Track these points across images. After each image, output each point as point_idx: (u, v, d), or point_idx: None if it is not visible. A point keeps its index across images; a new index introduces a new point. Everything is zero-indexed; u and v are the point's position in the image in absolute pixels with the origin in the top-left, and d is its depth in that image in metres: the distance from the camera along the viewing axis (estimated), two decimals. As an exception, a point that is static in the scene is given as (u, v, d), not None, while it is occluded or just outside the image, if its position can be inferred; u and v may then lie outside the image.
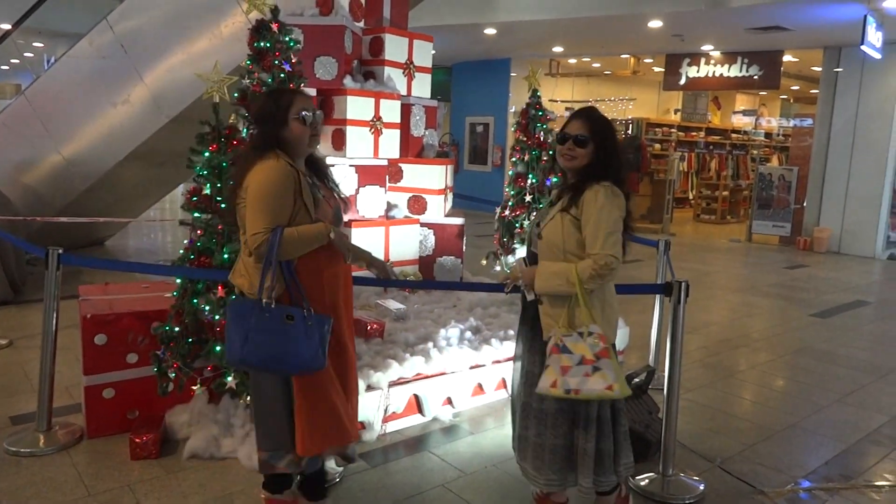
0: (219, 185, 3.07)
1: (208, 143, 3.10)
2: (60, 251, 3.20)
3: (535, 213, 4.84)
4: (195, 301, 3.09)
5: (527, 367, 2.60)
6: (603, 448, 2.50)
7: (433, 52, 13.90)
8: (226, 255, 3.06)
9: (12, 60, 17.89)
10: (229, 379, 3.06)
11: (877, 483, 3.27)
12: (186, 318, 3.08)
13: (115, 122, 6.95)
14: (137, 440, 3.16)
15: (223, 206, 3.06)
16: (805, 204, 11.35)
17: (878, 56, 9.34)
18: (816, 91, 11.57)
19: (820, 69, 11.30)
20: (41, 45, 15.11)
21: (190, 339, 3.11)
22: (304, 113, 2.38)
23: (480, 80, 14.57)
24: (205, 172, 3.08)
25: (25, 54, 15.24)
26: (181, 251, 3.15)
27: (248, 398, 3.16)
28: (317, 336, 2.31)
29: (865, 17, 8.25)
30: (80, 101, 6.99)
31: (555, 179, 4.79)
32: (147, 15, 6.74)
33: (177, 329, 3.11)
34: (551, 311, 2.45)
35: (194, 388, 3.13)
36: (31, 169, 7.24)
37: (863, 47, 8.54)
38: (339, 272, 2.48)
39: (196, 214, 3.07)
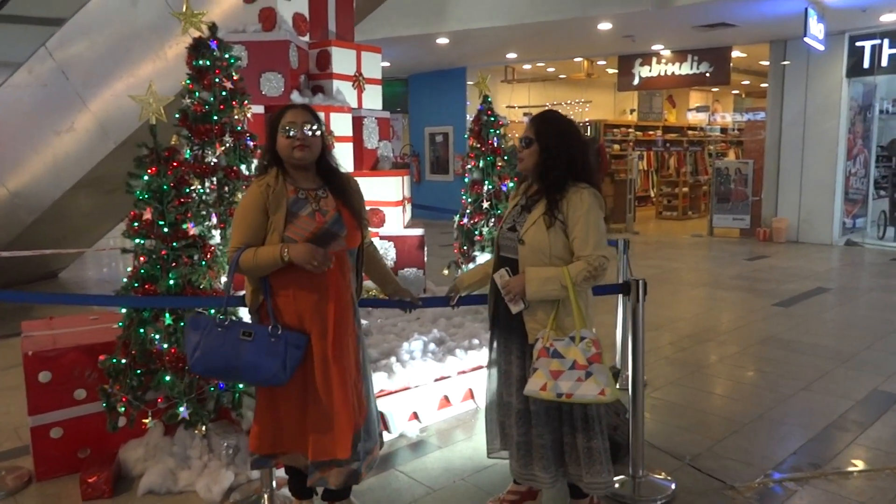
0: (160, 208, 2.96)
1: (147, 165, 2.98)
2: (-4, 287, 3.04)
3: (493, 220, 4.81)
4: (142, 331, 2.97)
5: (503, 368, 2.59)
6: (594, 446, 2.48)
7: (387, 64, 13.88)
8: (171, 282, 2.94)
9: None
10: (182, 409, 2.94)
11: (846, 469, 3.28)
12: (134, 349, 2.95)
13: (59, 150, 6.74)
14: (89, 480, 3.02)
15: (165, 230, 2.95)
16: (762, 196, 11.55)
17: (821, 48, 9.57)
18: (766, 85, 11.82)
19: (768, 63, 11.54)
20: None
21: (139, 371, 2.97)
22: (286, 125, 2.39)
23: (437, 91, 14.58)
24: (145, 196, 2.96)
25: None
26: (124, 280, 3.02)
27: (204, 428, 3.04)
28: (282, 353, 2.34)
29: (806, 9, 8.44)
30: (22, 131, 6.75)
31: (510, 185, 4.77)
32: (87, 40, 6.57)
33: (124, 361, 2.97)
34: (535, 315, 2.44)
35: (146, 421, 2.99)
36: (-26, 203, 6.97)
37: (806, 39, 8.73)
38: (321, 289, 2.38)
39: (137, 241, 2.95)
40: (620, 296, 4.22)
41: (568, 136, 2.51)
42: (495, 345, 2.66)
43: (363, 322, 4.39)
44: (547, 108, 2.68)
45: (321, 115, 4.70)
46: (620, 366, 4.40)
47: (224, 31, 4.71)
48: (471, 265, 4.91)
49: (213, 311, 2.86)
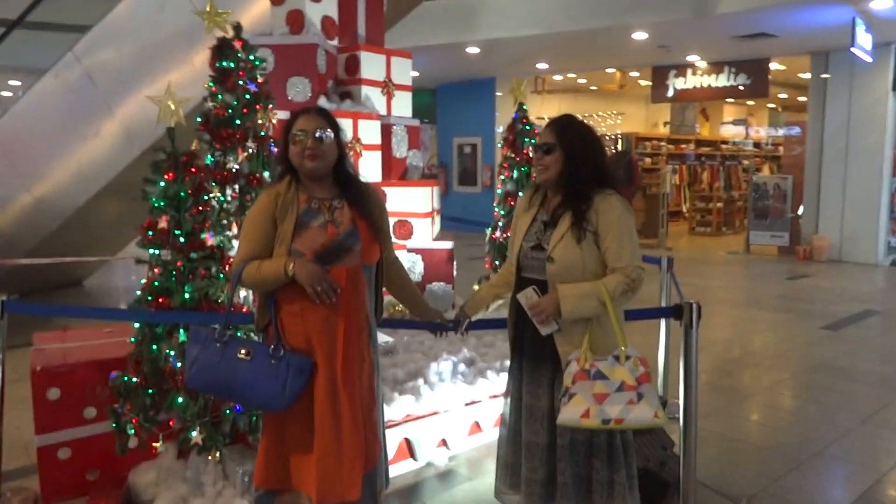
0: (177, 216, 2.77)
1: (164, 171, 2.80)
2: (4, 299, 2.88)
3: (507, 235, 4.54)
4: (155, 347, 2.77)
5: (528, 402, 2.31)
6: (617, 479, 2.23)
7: (416, 74, 13.75)
8: (186, 295, 2.75)
9: (-10, 99, 17.68)
10: (194, 434, 2.73)
11: (919, 516, 2.96)
12: (145, 367, 2.76)
13: (84, 157, 6.65)
14: (95, 506, 2.82)
15: (182, 240, 2.76)
16: (802, 212, 11.14)
17: (868, 59, 9.20)
18: (805, 98, 11.44)
19: (808, 76, 11.16)
20: (18, 83, 14.86)
21: (150, 391, 2.78)
22: (296, 131, 2.20)
23: (466, 101, 14.41)
24: (161, 204, 2.78)
25: (2, 93, 14.99)
26: (137, 292, 2.83)
27: (218, 454, 2.83)
28: (283, 376, 2.12)
29: (854, 19, 8.10)
30: (48, 137, 6.69)
31: (520, 193, 4.51)
32: (114, 45, 6.49)
33: (135, 380, 2.78)
34: (569, 336, 2.20)
35: (156, 444, 2.79)
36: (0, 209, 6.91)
37: (853, 50, 8.38)
38: (331, 307, 2.14)
39: (151, 251, 2.76)
40: (663, 318, 3.95)
41: (592, 141, 2.33)
42: (516, 374, 2.40)
43: (388, 339, 4.18)
44: (572, 115, 2.40)
45: (348, 121, 4.58)
46: (663, 393, 4.10)
47: (252, 33, 4.58)
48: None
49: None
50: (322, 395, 2.15)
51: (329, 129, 2.21)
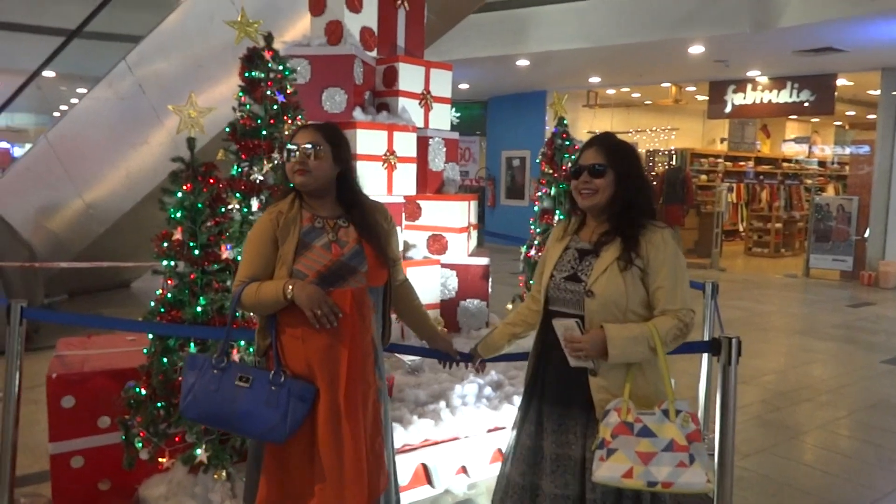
0: (192, 228, 2.72)
1: (182, 182, 2.75)
2: (24, 304, 2.88)
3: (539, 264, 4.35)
4: (165, 360, 2.72)
5: (553, 452, 2.04)
6: None
7: (466, 86, 13.68)
8: (199, 309, 2.69)
9: (62, 107, 18.46)
10: (199, 452, 2.66)
11: None
12: (154, 380, 2.70)
13: (133, 164, 6.82)
14: (103, 518, 2.78)
15: (196, 252, 2.70)
16: (867, 235, 10.53)
17: (944, 75, 8.65)
18: (874, 116, 10.85)
19: (877, 92, 10.59)
20: (85, 90, 15.50)
21: (159, 405, 2.72)
22: (289, 146, 2.12)
23: (516, 114, 14.26)
24: (177, 214, 2.73)
25: (72, 100, 15.65)
26: (151, 303, 2.79)
27: (224, 474, 2.75)
28: (284, 404, 2.00)
29: (929, 33, 7.62)
30: (100, 144, 6.89)
31: (560, 216, 4.29)
32: (165, 56, 6.64)
33: (143, 392, 2.73)
34: (606, 382, 1.97)
35: (162, 460, 2.73)
36: (52, 212, 7.13)
37: (927, 66, 7.88)
38: (334, 332, 2.02)
39: (165, 262, 2.72)
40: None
41: (639, 163, 2.12)
42: (531, 417, 2.13)
43: (414, 358, 4.05)
44: (629, 134, 2.16)
45: (382, 133, 4.50)
46: (704, 428, 3.84)
47: (289, 44, 4.57)
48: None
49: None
50: (324, 424, 2.03)
51: (322, 144, 2.11)
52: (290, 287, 1.97)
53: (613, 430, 1.89)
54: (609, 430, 1.90)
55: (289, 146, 2.11)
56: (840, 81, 11.11)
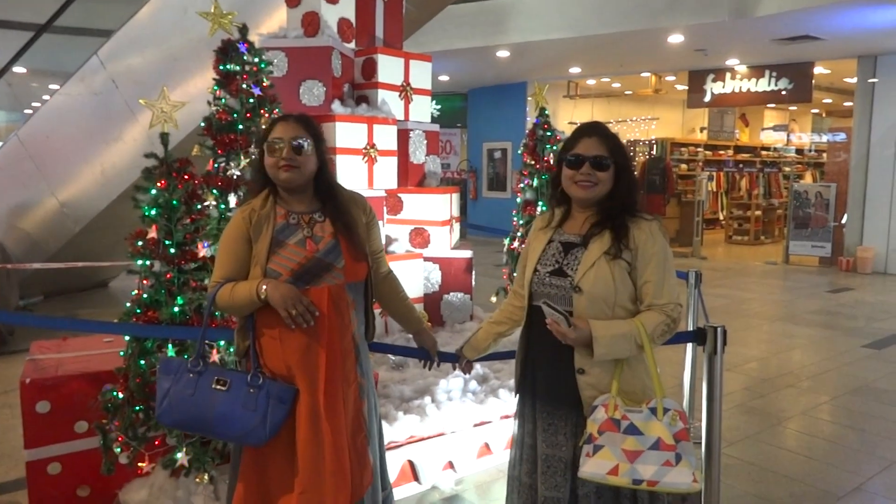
0: (168, 226, 2.65)
1: (156, 178, 2.68)
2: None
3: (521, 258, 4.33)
4: (142, 362, 2.65)
5: (544, 452, 2.01)
6: None
7: (446, 78, 13.59)
8: (176, 309, 2.62)
9: (34, 104, 18.11)
10: (179, 455, 2.60)
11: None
12: (132, 383, 2.63)
13: (107, 161, 6.67)
14: (82, 525, 2.71)
15: (172, 251, 2.63)
16: (845, 222, 10.65)
17: (919, 62, 8.74)
18: (850, 104, 10.95)
19: (854, 80, 10.69)
20: (57, 87, 15.18)
21: (137, 408, 2.65)
22: (272, 139, 2.05)
23: (497, 106, 14.21)
24: (152, 212, 2.66)
25: (43, 97, 15.34)
26: (127, 304, 2.72)
27: (206, 477, 2.70)
28: (263, 407, 1.95)
29: (904, 20, 7.68)
30: (73, 140, 6.73)
31: (543, 207, 4.25)
32: (138, 50, 6.49)
33: (121, 396, 2.66)
34: (594, 379, 1.94)
35: (141, 465, 2.67)
36: (25, 212, 6.97)
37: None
38: (310, 332, 1.97)
39: (140, 262, 2.64)
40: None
41: (630, 155, 2.10)
42: (527, 415, 2.10)
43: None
44: (596, 122, 2.07)
45: (362, 126, 4.44)
46: (690, 416, 3.85)
47: (265, 36, 4.48)
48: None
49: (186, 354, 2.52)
50: (304, 424, 1.98)
51: (308, 138, 2.05)
52: (264, 287, 1.92)
53: (600, 426, 1.87)
54: (596, 425, 1.88)
55: (272, 140, 2.04)
56: (817, 69, 11.19)
